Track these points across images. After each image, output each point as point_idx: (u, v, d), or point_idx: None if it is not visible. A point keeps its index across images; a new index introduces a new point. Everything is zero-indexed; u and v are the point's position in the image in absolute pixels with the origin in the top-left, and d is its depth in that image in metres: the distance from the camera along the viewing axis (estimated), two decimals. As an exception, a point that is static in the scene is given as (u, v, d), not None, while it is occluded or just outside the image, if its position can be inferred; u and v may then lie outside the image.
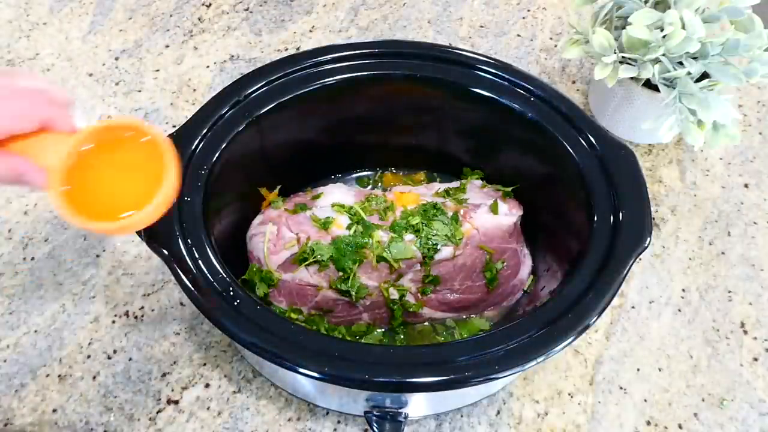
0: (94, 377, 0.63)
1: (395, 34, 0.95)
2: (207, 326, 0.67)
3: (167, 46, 0.92)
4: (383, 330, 0.65)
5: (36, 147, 0.41)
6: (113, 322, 0.67)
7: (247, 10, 0.98)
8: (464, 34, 0.96)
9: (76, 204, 0.42)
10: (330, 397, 0.58)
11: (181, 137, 0.57)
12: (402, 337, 0.64)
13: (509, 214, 0.64)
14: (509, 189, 0.67)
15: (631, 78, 0.72)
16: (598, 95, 0.85)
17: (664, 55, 0.68)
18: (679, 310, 0.70)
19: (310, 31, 0.95)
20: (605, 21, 0.75)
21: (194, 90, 0.87)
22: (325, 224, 0.61)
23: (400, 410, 0.55)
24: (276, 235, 0.61)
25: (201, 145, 0.57)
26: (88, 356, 0.65)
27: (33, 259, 0.71)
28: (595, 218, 0.55)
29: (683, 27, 0.67)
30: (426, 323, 0.65)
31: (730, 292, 0.72)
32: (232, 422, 0.61)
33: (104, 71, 0.88)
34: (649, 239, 0.52)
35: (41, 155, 0.41)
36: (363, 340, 0.63)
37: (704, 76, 0.72)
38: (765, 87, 0.91)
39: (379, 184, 0.75)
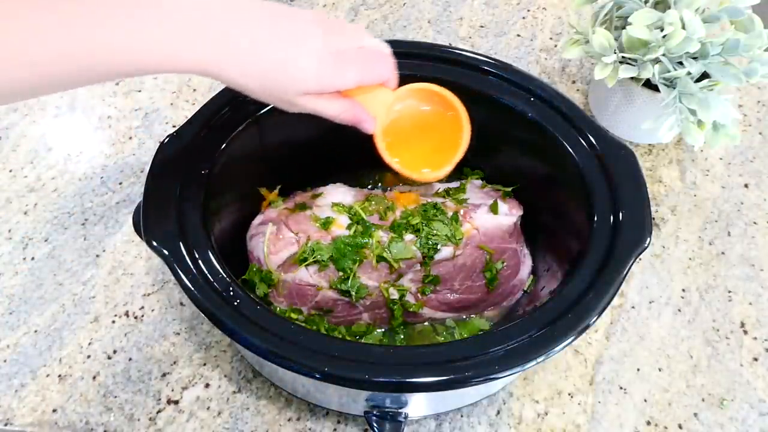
0: (94, 377, 0.63)
1: (395, 34, 0.95)
2: (207, 326, 0.67)
3: (167, 46, 0.92)
4: (383, 330, 0.65)
5: (370, 98, 0.48)
6: (113, 322, 0.67)
7: (247, 10, 0.97)
8: (464, 34, 0.96)
9: (390, 148, 0.52)
10: (330, 397, 0.58)
11: (181, 137, 0.57)
12: (402, 337, 0.64)
13: (509, 214, 0.64)
14: (509, 189, 0.67)
15: (631, 78, 0.72)
16: (598, 95, 0.85)
17: (664, 55, 0.68)
18: (679, 310, 0.70)
19: (310, 31, 0.95)
20: (605, 21, 0.75)
21: (194, 90, 0.87)
22: (325, 224, 0.61)
23: (400, 410, 0.55)
24: (276, 235, 0.61)
25: (201, 145, 0.57)
26: (88, 356, 0.65)
27: (33, 259, 0.71)
28: (595, 218, 0.55)
29: (683, 27, 0.67)
30: (426, 323, 0.65)
31: (730, 292, 0.72)
32: (232, 422, 0.61)
33: (104, 71, 0.88)
34: (649, 239, 0.52)
35: (373, 105, 0.49)
36: (363, 340, 0.63)
37: (704, 76, 0.72)
38: (765, 87, 0.91)
39: (379, 184, 0.75)
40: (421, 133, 0.54)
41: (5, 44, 0.35)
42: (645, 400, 0.64)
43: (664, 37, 0.67)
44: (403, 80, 0.64)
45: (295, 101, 0.45)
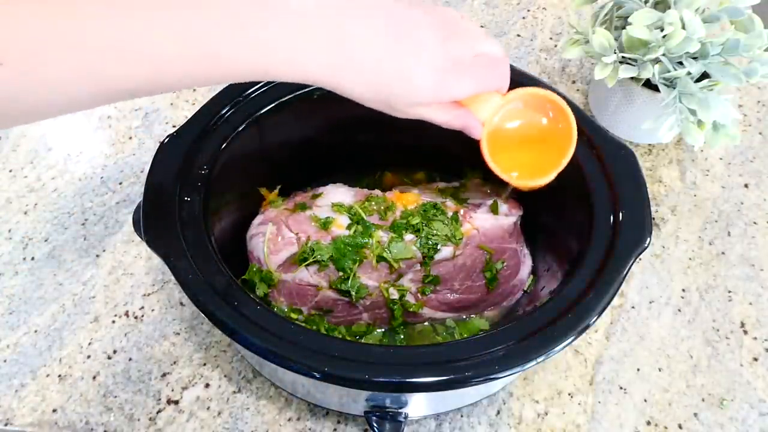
0: (94, 377, 0.63)
1: (395, 34, 0.95)
2: (207, 326, 0.67)
3: (167, 46, 0.92)
4: (383, 330, 0.65)
5: (481, 104, 0.47)
6: (113, 322, 0.67)
7: (247, 10, 0.97)
8: (464, 34, 0.96)
9: (492, 153, 0.50)
10: (330, 397, 0.58)
11: (181, 137, 0.57)
12: (402, 337, 0.64)
13: (509, 214, 0.64)
14: (509, 189, 0.67)
15: (631, 78, 0.72)
16: (598, 95, 0.85)
17: (664, 55, 0.68)
18: (679, 310, 0.70)
19: (310, 31, 0.95)
20: (605, 21, 0.75)
21: (194, 90, 0.87)
22: (325, 224, 0.61)
23: (400, 410, 0.55)
24: (276, 235, 0.61)
25: (201, 145, 0.57)
26: (88, 356, 0.65)
27: (33, 259, 0.71)
28: (595, 218, 0.55)
29: (683, 27, 0.67)
30: (426, 323, 0.65)
31: (730, 292, 0.72)
32: (232, 422, 0.61)
33: (104, 71, 0.88)
34: (649, 239, 0.52)
35: (480, 110, 0.48)
36: (363, 340, 0.63)
37: (704, 76, 0.72)
38: (765, 87, 0.91)
39: (379, 184, 0.75)
40: (526, 137, 0.52)
41: (123, 39, 0.34)
42: (645, 400, 0.64)
43: (664, 37, 0.67)
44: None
45: (407, 110, 0.45)
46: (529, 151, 0.52)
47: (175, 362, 0.64)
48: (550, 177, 0.52)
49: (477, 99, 0.47)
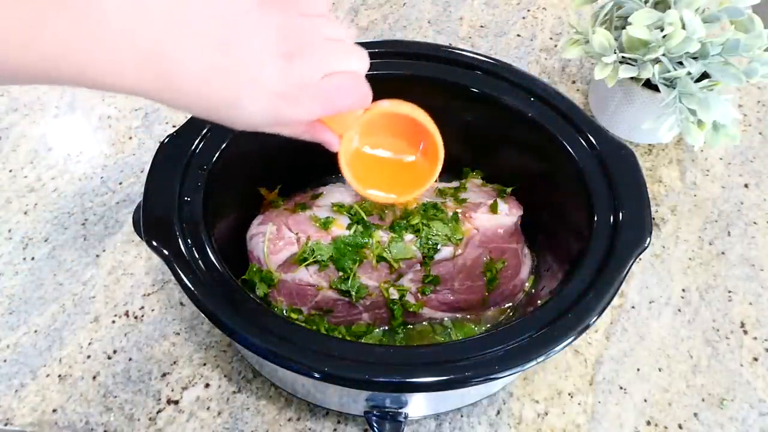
0: (94, 377, 0.63)
1: (395, 34, 0.95)
2: (207, 326, 0.67)
3: (167, 46, 0.92)
4: (383, 330, 0.65)
5: (335, 118, 0.45)
6: (113, 322, 0.67)
7: (247, 10, 0.97)
8: (464, 34, 0.96)
9: (353, 169, 0.48)
10: (330, 397, 0.58)
11: (181, 137, 0.57)
12: (402, 336, 0.64)
13: (509, 214, 0.64)
14: (509, 189, 0.67)
15: (631, 78, 0.72)
16: (598, 95, 0.85)
17: (664, 55, 0.68)
18: (679, 310, 0.70)
19: (310, 31, 0.95)
20: (605, 21, 0.75)
21: (194, 90, 0.87)
22: (325, 224, 0.61)
23: (400, 410, 0.55)
24: (276, 235, 0.61)
25: (201, 145, 0.57)
26: (88, 356, 0.65)
27: (33, 259, 0.71)
28: (595, 218, 0.55)
29: (683, 27, 0.67)
30: (426, 323, 0.65)
31: (730, 292, 0.72)
32: (232, 422, 0.61)
33: (104, 71, 0.88)
34: (649, 239, 0.52)
35: (338, 125, 0.45)
36: (363, 340, 0.63)
37: (704, 76, 0.72)
38: (765, 87, 0.91)
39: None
40: (392, 152, 0.49)
41: None
42: (645, 400, 0.64)
43: (664, 37, 0.67)
44: (404, 80, 0.65)
45: (246, 128, 0.40)
46: (396, 166, 0.49)
47: (175, 362, 0.64)
48: (416, 194, 0.50)
49: (336, 115, 0.44)
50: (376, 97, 0.44)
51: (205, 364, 0.64)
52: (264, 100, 0.37)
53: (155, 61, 0.34)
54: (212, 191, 0.56)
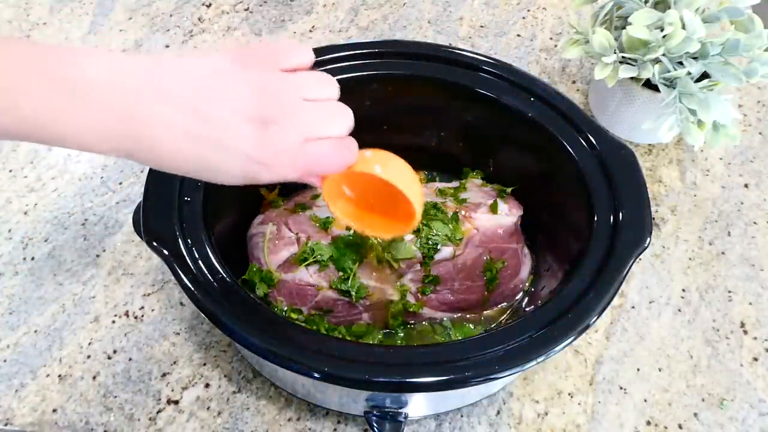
0: (94, 377, 0.63)
1: (395, 34, 0.95)
2: (207, 326, 0.67)
3: (167, 46, 0.92)
4: (383, 330, 0.65)
5: None
6: (113, 322, 0.67)
7: (247, 10, 0.98)
8: (464, 34, 0.96)
9: (337, 205, 0.47)
10: (330, 397, 0.58)
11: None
12: (402, 336, 0.64)
13: (509, 214, 0.64)
14: (509, 189, 0.67)
15: (631, 78, 0.72)
16: (598, 95, 0.85)
17: (664, 55, 0.68)
18: (679, 310, 0.70)
19: (310, 31, 0.95)
20: (605, 21, 0.75)
21: (194, 90, 0.87)
22: (325, 224, 0.61)
23: (400, 410, 0.55)
24: (276, 235, 0.61)
25: (201, 145, 0.57)
26: (88, 356, 0.65)
27: (33, 259, 0.71)
28: (595, 218, 0.55)
29: (683, 27, 0.67)
30: (425, 323, 0.65)
31: (730, 292, 0.72)
32: (232, 422, 0.61)
33: (104, 71, 0.88)
34: (649, 239, 0.52)
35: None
36: (363, 340, 0.63)
37: (704, 76, 0.72)
38: (765, 87, 0.91)
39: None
40: (374, 195, 0.48)
41: None
42: (645, 400, 0.64)
43: (664, 37, 0.67)
44: (403, 80, 0.65)
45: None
46: (375, 209, 0.49)
47: (175, 362, 0.64)
48: (389, 236, 0.50)
49: None
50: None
51: (205, 364, 0.64)
52: (239, 164, 0.37)
53: (132, 128, 0.35)
54: (212, 191, 0.56)
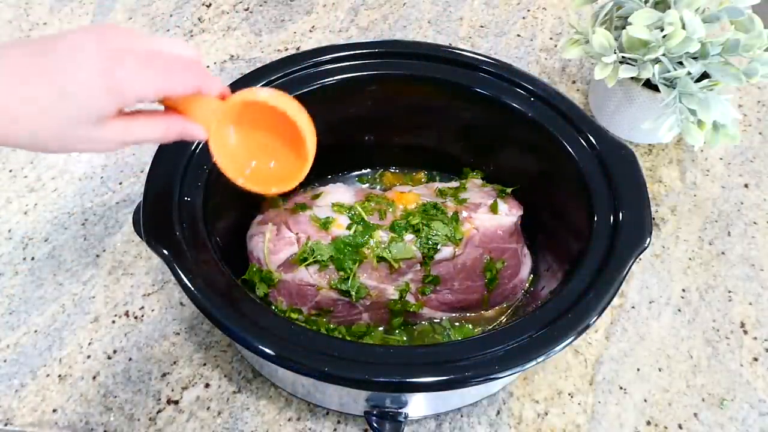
0: (94, 377, 0.63)
1: (395, 34, 0.95)
2: (207, 326, 0.67)
3: (167, 46, 0.92)
4: (383, 330, 0.65)
5: (194, 107, 0.44)
6: (113, 322, 0.67)
7: (247, 10, 0.98)
8: (464, 34, 0.96)
9: (227, 159, 0.47)
10: (330, 397, 0.58)
11: (181, 137, 0.57)
12: (402, 336, 0.64)
13: (509, 214, 0.64)
14: (509, 189, 0.67)
15: (631, 78, 0.72)
16: (598, 95, 0.85)
17: (664, 55, 0.68)
18: (679, 310, 0.70)
19: (310, 31, 0.95)
20: (605, 21, 0.75)
21: (194, 90, 0.87)
22: (325, 224, 0.61)
23: (400, 410, 0.55)
24: (276, 235, 0.61)
25: (201, 145, 0.57)
26: (88, 356, 0.65)
27: (33, 259, 0.71)
28: (595, 218, 0.55)
29: (683, 27, 0.67)
30: (425, 323, 0.65)
31: (730, 292, 0.71)
32: (232, 422, 0.61)
33: (104, 71, 0.88)
34: (649, 239, 0.52)
35: (199, 115, 0.44)
36: (363, 340, 0.63)
37: (704, 76, 0.72)
38: (765, 87, 0.91)
39: (379, 183, 0.75)
40: (267, 144, 0.48)
41: None
42: (645, 400, 0.64)
43: (664, 37, 0.67)
44: (403, 80, 0.65)
45: (101, 135, 0.38)
46: (270, 156, 0.49)
47: (175, 362, 0.64)
48: (292, 185, 0.49)
49: (190, 104, 0.43)
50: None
51: (205, 364, 0.64)
52: (94, 71, 0.36)
53: None
54: (212, 191, 0.56)
